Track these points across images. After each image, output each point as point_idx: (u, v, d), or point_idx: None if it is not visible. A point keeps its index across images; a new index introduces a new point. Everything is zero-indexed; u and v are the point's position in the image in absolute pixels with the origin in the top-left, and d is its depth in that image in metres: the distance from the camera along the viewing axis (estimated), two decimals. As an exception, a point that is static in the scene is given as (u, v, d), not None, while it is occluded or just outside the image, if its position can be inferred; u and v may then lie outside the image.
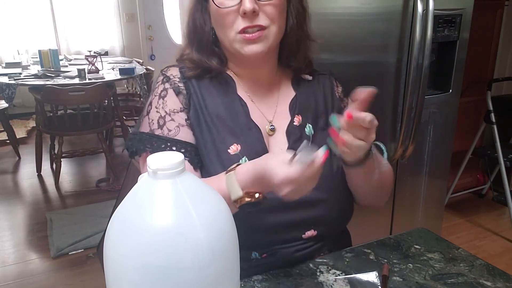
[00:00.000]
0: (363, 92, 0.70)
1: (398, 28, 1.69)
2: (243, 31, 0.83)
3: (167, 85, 0.91)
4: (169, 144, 0.87)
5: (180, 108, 0.90)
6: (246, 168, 0.75)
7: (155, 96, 0.92)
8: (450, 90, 1.91)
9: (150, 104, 0.92)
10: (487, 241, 2.59)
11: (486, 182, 3.09)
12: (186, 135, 0.89)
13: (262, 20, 0.83)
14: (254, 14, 0.82)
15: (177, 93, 0.91)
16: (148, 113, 0.91)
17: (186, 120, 0.90)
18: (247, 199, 0.73)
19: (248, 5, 0.80)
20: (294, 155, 0.68)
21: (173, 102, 0.90)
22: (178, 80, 0.92)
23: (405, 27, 1.70)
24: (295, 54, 0.95)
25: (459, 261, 0.89)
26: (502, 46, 3.01)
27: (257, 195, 0.73)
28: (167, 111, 0.89)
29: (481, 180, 3.12)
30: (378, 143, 0.73)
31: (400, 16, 1.68)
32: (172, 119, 0.89)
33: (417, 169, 1.98)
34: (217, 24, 0.88)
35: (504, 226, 2.71)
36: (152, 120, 0.90)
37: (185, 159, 0.85)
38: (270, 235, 0.89)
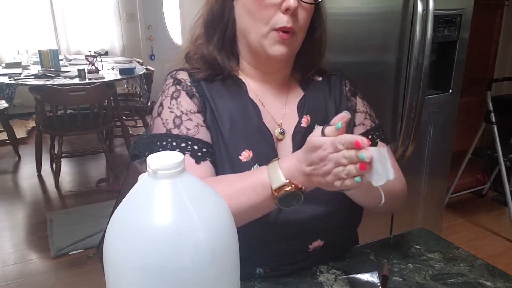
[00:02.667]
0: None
1: (398, 28, 1.69)
2: (279, 29, 0.81)
3: (178, 87, 0.87)
4: (189, 143, 0.81)
5: (197, 109, 0.85)
6: (290, 156, 0.72)
7: (166, 97, 0.86)
8: (450, 90, 1.91)
9: (161, 105, 0.86)
10: (487, 241, 2.58)
11: (486, 182, 3.09)
12: (206, 135, 0.84)
13: (295, 24, 0.82)
14: (293, 14, 0.80)
15: (191, 96, 0.86)
16: (159, 114, 0.85)
17: (204, 121, 0.85)
18: (288, 188, 0.69)
19: (293, 1, 0.79)
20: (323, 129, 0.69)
21: (187, 103, 0.85)
22: (189, 83, 0.88)
23: (405, 27, 1.70)
24: (313, 64, 0.94)
25: (459, 261, 0.89)
26: (502, 46, 3.01)
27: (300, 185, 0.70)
28: (183, 110, 0.84)
29: (481, 180, 3.12)
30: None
31: (400, 16, 1.68)
32: (190, 119, 0.83)
33: (417, 169, 1.98)
34: (248, 16, 0.83)
35: (504, 226, 2.71)
36: (167, 120, 0.84)
37: (207, 159, 0.82)
38: (275, 246, 0.85)
